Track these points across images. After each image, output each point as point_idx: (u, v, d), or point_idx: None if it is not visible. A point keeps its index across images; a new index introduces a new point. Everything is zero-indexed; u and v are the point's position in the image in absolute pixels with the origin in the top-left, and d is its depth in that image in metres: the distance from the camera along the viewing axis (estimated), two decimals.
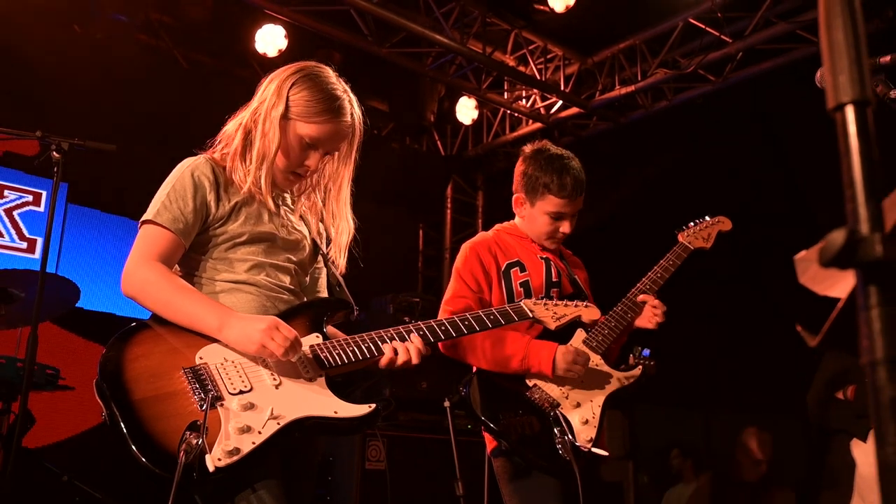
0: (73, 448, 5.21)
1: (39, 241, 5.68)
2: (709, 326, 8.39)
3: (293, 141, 2.22)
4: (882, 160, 0.80)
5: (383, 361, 2.15)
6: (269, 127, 2.20)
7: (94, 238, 5.98)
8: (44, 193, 5.76)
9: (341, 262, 2.38)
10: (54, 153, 3.38)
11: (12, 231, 5.72)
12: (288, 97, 2.20)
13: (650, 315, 2.85)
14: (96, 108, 5.68)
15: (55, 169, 3.37)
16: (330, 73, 2.30)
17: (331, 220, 2.38)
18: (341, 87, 2.28)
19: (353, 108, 2.28)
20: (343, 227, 2.37)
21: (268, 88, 2.25)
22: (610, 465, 7.67)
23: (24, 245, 5.74)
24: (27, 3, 5.46)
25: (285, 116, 2.20)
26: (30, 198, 5.83)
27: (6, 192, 5.75)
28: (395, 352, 2.15)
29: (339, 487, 4.90)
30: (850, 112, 0.84)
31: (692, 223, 3.10)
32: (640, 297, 2.87)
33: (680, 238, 3.06)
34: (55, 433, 5.18)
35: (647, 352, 2.87)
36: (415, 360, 2.17)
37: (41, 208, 5.76)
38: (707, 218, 3.12)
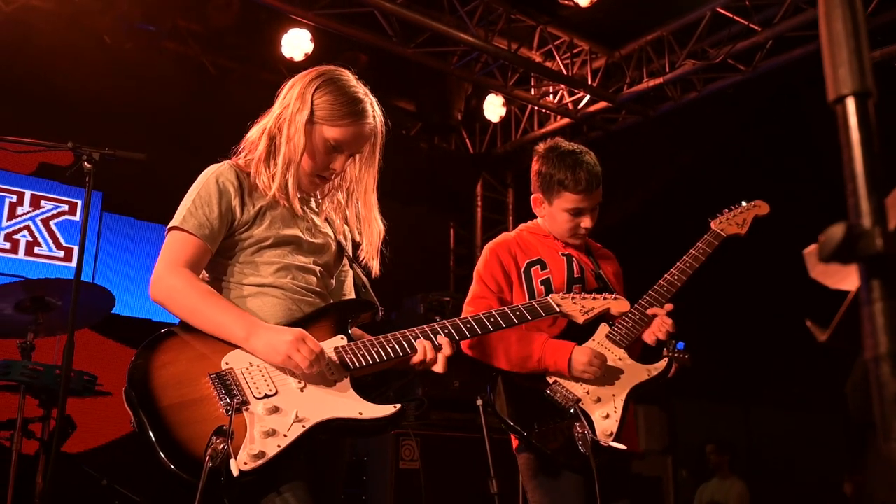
0: (112, 452, 5.30)
1: (76, 250, 5.80)
2: (750, 319, 8.29)
3: (318, 144, 2.24)
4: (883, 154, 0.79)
5: (415, 360, 2.16)
6: (294, 132, 2.22)
7: (129, 245, 6.09)
8: (79, 203, 5.88)
9: (375, 265, 2.39)
10: (85, 163, 3.43)
11: (49, 240, 5.85)
12: (312, 101, 2.22)
13: (656, 328, 2.78)
14: (128, 116, 5.79)
15: (87, 179, 3.43)
16: (350, 77, 2.32)
17: (357, 222, 2.40)
18: (362, 90, 2.30)
19: (374, 110, 2.30)
20: (374, 230, 2.38)
21: (290, 93, 2.27)
22: (649, 460, 7.62)
23: (62, 254, 5.87)
24: (58, 16, 5.58)
25: (310, 121, 2.22)
26: (66, 207, 5.96)
27: (42, 203, 5.88)
28: (425, 352, 2.15)
29: (373, 487, 4.93)
30: (850, 104, 0.83)
31: (727, 209, 3.02)
32: (650, 311, 2.80)
33: (712, 225, 2.98)
34: (95, 438, 5.28)
35: (681, 345, 2.83)
36: (441, 369, 2.18)
37: (77, 217, 5.88)
38: (743, 203, 3.03)
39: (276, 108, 2.29)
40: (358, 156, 2.33)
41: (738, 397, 9.97)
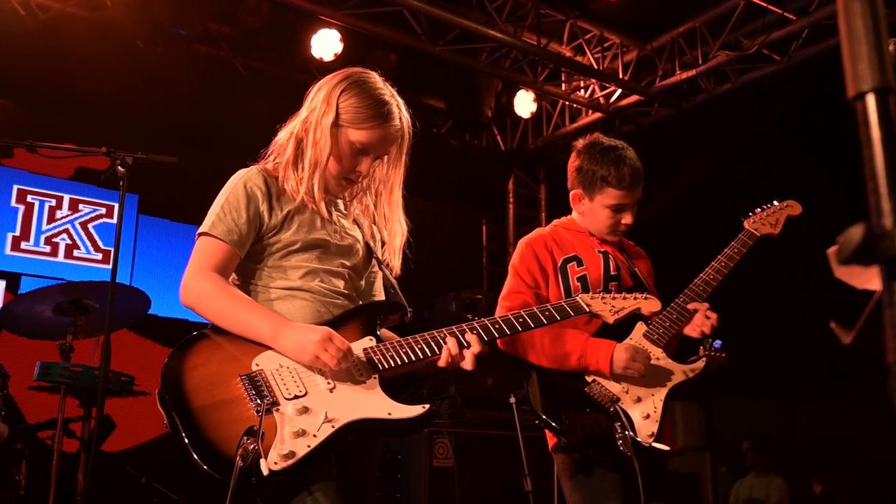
0: (151, 451, 5.39)
1: (113, 249, 5.91)
2: (792, 313, 8.16)
3: (345, 147, 2.25)
4: None
5: (442, 361, 2.15)
6: (320, 135, 2.23)
7: (165, 247, 6.19)
8: (116, 206, 5.97)
9: (396, 264, 2.40)
10: (119, 167, 3.49)
11: (88, 243, 5.96)
12: (337, 105, 2.23)
13: (700, 322, 2.74)
14: (161, 119, 5.88)
15: (121, 182, 3.49)
16: (377, 79, 2.32)
17: (383, 223, 2.40)
18: (388, 92, 2.30)
19: (401, 112, 2.30)
20: (396, 230, 2.39)
21: (316, 97, 2.28)
22: (686, 456, 7.54)
23: (100, 256, 5.98)
24: (91, 23, 5.68)
25: (336, 124, 2.23)
26: (103, 210, 6.07)
27: (80, 206, 5.99)
28: (452, 352, 2.15)
29: (407, 485, 4.95)
30: (871, 101, 0.81)
31: (759, 209, 2.98)
32: (691, 306, 2.77)
33: (746, 225, 2.95)
34: (134, 437, 5.37)
35: (718, 343, 2.80)
36: (469, 366, 2.17)
37: (114, 220, 5.98)
38: (775, 203, 2.99)
39: (303, 112, 2.30)
40: (385, 157, 2.33)
41: (780, 393, 9.82)
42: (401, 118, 2.29)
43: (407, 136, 2.34)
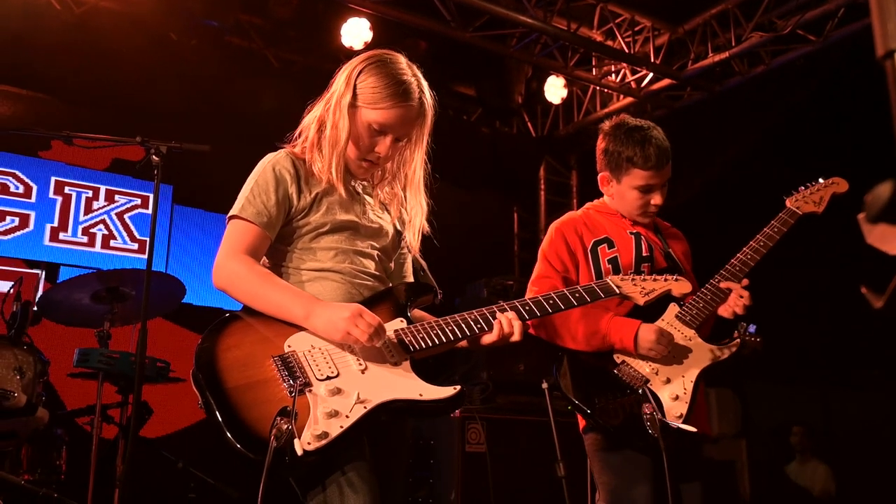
0: (188, 437, 5.47)
1: (148, 238, 6.00)
2: (828, 299, 8.03)
3: (361, 128, 2.25)
4: None
5: (495, 335, 2.17)
6: (338, 116, 2.24)
7: (200, 236, 6.27)
8: (151, 196, 6.06)
9: (416, 243, 2.40)
10: (153, 156, 3.54)
11: (124, 233, 6.06)
12: (355, 85, 2.24)
13: (732, 303, 2.70)
14: (195, 111, 5.94)
15: (155, 171, 3.53)
16: (400, 59, 2.31)
17: (406, 203, 2.41)
18: (410, 73, 2.28)
19: (422, 93, 2.28)
20: (416, 209, 2.39)
21: (339, 79, 2.29)
22: (722, 444, 7.48)
23: (136, 246, 6.08)
24: (126, 16, 5.75)
25: (353, 104, 2.23)
26: (138, 201, 6.16)
27: (117, 197, 6.09)
28: (502, 325, 2.16)
29: (440, 470, 4.97)
30: None
31: (802, 187, 2.90)
32: (724, 285, 2.72)
33: (788, 203, 2.86)
34: (171, 423, 5.46)
35: (753, 327, 2.76)
36: (517, 336, 2.18)
37: (149, 210, 6.07)
38: (820, 180, 2.90)
39: (326, 94, 2.31)
40: (407, 139, 2.33)
41: (815, 379, 9.68)
42: (421, 98, 2.27)
43: (429, 117, 2.32)
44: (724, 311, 2.72)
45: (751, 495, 7.57)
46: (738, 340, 2.73)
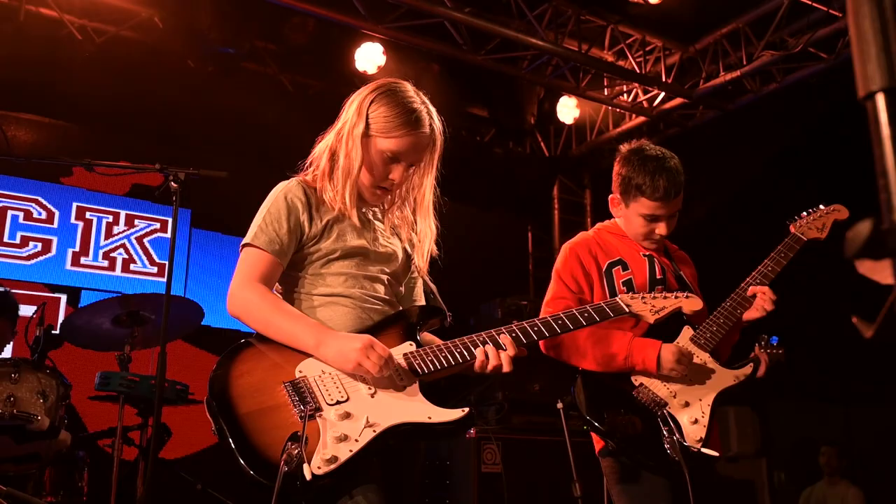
0: (207, 459, 5.51)
1: (167, 262, 6.09)
2: (849, 314, 7.95)
3: (375, 157, 2.30)
4: None
5: (476, 366, 2.18)
6: (351, 146, 2.28)
7: (218, 259, 6.35)
8: (170, 220, 6.16)
9: (425, 266, 2.43)
10: (172, 183, 3.61)
11: (143, 257, 6.15)
12: (367, 115, 2.29)
13: (759, 303, 2.73)
14: (213, 136, 6.05)
15: (174, 198, 3.60)
16: (408, 88, 2.36)
17: (416, 227, 2.45)
18: (419, 100, 2.34)
19: (431, 120, 2.33)
20: (426, 232, 2.42)
21: (349, 109, 2.34)
22: (741, 463, 7.40)
23: (155, 269, 6.16)
24: (145, 45, 5.88)
25: (366, 134, 2.28)
26: (157, 225, 6.25)
27: (136, 222, 6.19)
28: (486, 356, 2.17)
29: (456, 491, 4.98)
30: (880, 100, 0.82)
31: (805, 213, 2.94)
32: (751, 290, 2.75)
33: (792, 229, 2.91)
34: (190, 445, 5.50)
35: (774, 339, 2.78)
36: (506, 368, 2.19)
37: (168, 234, 6.15)
38: (821, 207, 2.94)
39: (337, 123, 2.36)
40: (418, 164, 2.37)
41: (837, 396, 9.57)
42: (431, 125, 2.33)
43: (439, 143, 2.37)
44: (755, 311, 2.75)
45: None
46: (752, 364, 2.74)
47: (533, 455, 5.08)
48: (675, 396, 2.67)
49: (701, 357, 2.73)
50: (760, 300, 2.74)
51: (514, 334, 2.23)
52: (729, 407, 7.41)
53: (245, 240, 2.26)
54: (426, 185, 2.40)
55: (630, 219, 2.93)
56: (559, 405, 4.06)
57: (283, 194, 2.28)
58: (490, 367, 2.18)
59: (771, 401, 8.26)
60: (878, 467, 8.63)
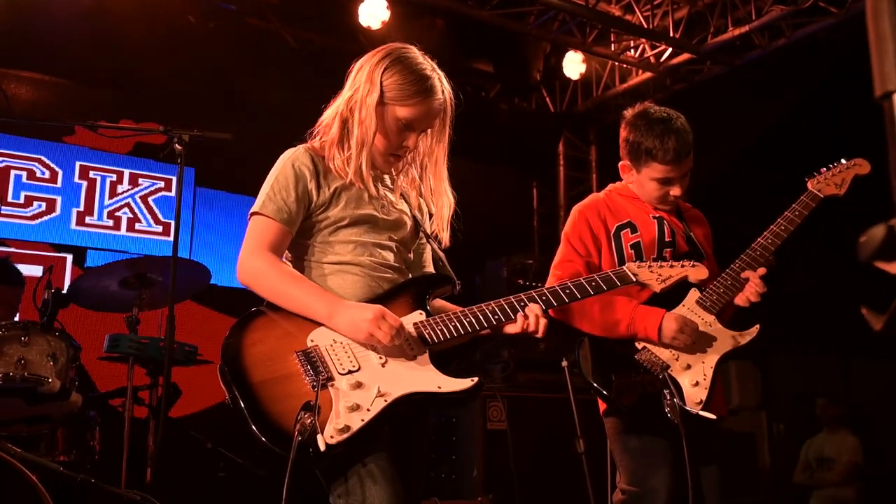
0: (216, 417, 5.58)
1: (173, 225, 6.10)
2: (848, 266, 7.97)
3: (391, 124, 2.29)
4: None
5: (518, 328, 2.23)
6: (365, 114, 2.27)
7: (223, 218, 6.35)
8: (174, 179, 6.14)
9: (445, 236, 2.44)
10: (176, 145, 3.60)
11: (148, 216, 6.16)
12: (381, 82, 2.27)
13: (748, 291, 2.72)
14: (215, 92, 6.00)
15: (178, 160, 3.60)
16: (417, 53, 2.35)
17: (430, 195, 2.44)
18: (429, 66, 2.33)
19: (443, 85, 2.33)
20: (443, 202, 2.42)
21: (359, 76, 2.32)
22: (742, 416, 7.50)
23: (160, 228, 6.17)
24: (145, 1, 5.79)
25: (381, 102, 2.27)
26: (162, 184, 6.24)
27: (140, 181, 6.18)
28: (527, 320, 2.21)
29: (462, 447, 5.06)
30: None
31: (824, 168, 2.87)
32: (745, 274, 2.73)
33: (809, 185, 2.84)
34: (199, 403, 5.57)
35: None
36: (541, 334, 2.23)
37: (172, 193, 6.15)
38: (843, 161, 2.86)
39: (346, 91, 2.34)
40: (429, 130, 2.37)
41: (836, 349, 9.64)
42: (443, 91, 2.32)
43: (450, 109, 2.37)
44: (740, 299, 2.74)
45: (771, 467, 7.61)
46: (758, 326, 2.76)
47: (538, 412, 5.16)
48: (677, 359, 2.69)
49: (706, 319, 2.74)
50: (748, 290, 2.72)
51: (523, 305, 2.25)
52: (731, 361, 7.48)
53: (253, 209, 2.26)
54: (439, 154, 2.40)
55: (643, 184, 2.92)
56: (564, 363, 4.10)
57: (290, 162, 2.28)
58: (526, 330, 2.23)
59: (772, 355, 8.32)
60: (879, 421, 8.73)
